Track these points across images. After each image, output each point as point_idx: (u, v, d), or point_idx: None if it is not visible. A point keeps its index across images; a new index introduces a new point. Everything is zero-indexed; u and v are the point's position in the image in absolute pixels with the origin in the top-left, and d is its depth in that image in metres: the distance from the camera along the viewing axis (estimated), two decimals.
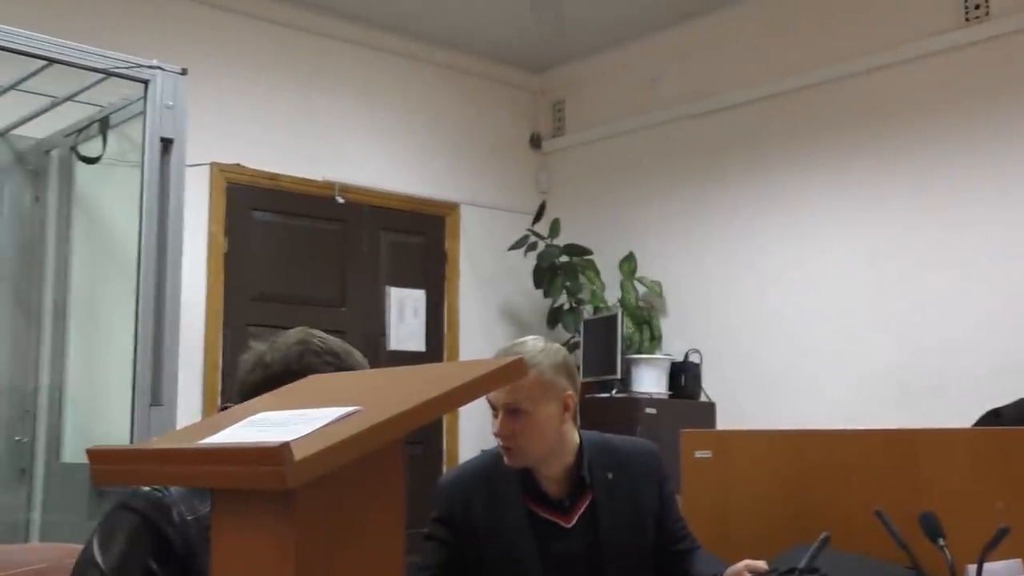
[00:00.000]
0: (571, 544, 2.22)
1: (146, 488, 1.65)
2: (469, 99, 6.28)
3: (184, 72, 3.32)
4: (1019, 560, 1.68)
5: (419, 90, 6.05)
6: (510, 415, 2.16)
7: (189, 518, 1.64)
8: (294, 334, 1.76)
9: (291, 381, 1.48)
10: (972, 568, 1.63)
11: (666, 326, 5.69)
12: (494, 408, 2.19)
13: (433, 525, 2.25)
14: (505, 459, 2.20)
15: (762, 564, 1.98)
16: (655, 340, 5.63)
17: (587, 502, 2.26)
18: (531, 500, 2.23)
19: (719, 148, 5.56)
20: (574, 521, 2.23)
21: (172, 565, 1.61)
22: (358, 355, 1.76)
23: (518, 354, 1.98)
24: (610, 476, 2.27)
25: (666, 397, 5.31)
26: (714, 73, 5.59)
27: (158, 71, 3.27)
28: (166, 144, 3.25)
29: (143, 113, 3.27)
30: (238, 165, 5.21)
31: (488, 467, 2.26)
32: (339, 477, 1.09)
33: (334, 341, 1.75)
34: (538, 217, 6.03)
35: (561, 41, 6.04)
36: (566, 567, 2.20)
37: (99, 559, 1.61)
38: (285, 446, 1.01)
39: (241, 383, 1.74)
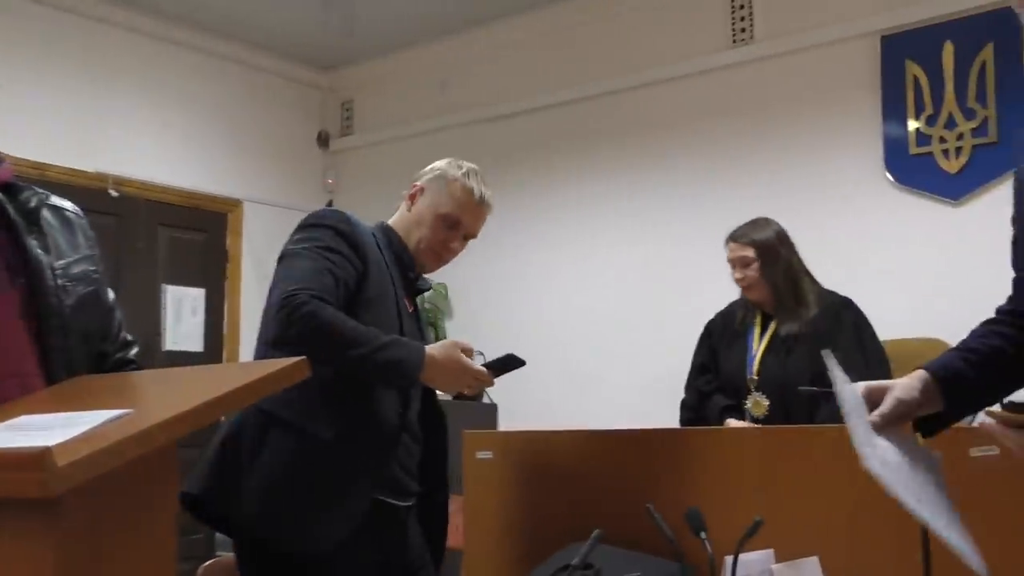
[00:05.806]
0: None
1: None
2: (256, 94, 6.13)
3: None
4: (771, 550, 1.80)
5: (204, 83, 5.86)
6: None
7: None
8: None
9: None
10: (729, 559, 1.73)
11: (451, 328, 5.75)
12: None
13: (329, 236, 2.34)
14: None
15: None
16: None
17: None
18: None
19: (507, 154, 5.66)
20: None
21: None
22: None
23: None
24: None
25: (449, 398, 5.34)
26: (501, 79, 5.70)
27: None
28: None
29: None
30: None
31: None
32: (107, 483, 1.05)
33: None
34: None
35: (351, 40, 5.99)
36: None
37: None
38: (47, 451, 0.96)
39: None
